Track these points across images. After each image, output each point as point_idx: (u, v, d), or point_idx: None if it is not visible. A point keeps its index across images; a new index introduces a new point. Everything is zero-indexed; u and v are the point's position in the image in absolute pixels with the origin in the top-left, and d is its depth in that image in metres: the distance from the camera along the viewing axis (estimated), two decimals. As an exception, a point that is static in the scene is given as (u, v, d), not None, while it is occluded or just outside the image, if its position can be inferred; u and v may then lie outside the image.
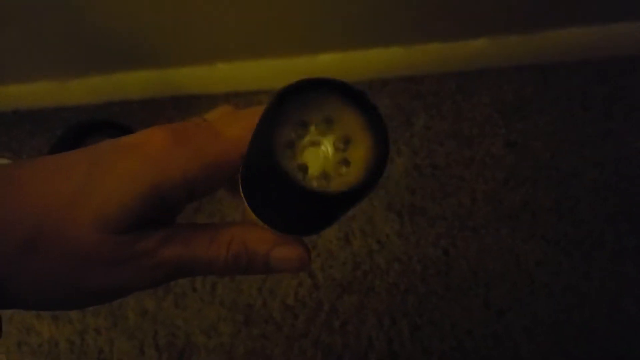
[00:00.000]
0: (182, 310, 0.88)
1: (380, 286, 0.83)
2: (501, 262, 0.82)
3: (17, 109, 1.04)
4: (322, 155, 0.20)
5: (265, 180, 0.19)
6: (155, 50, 0.92)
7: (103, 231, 0.20)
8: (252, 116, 0.22)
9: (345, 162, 0.20)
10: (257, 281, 0.86)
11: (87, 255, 0.20)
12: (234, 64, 0.94)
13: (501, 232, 0.83)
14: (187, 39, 0.90)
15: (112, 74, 0.97)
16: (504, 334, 0.78)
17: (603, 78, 0.92)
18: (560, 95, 0.92)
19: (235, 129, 0.22)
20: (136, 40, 0.90)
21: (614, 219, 0.83)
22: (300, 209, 0.20)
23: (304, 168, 0.20)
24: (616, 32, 0.90)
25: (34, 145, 1.01)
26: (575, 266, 0.81)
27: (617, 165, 0.86)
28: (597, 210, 0.84)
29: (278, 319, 0.84)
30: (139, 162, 0.21)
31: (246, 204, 0.22)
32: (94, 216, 0.20)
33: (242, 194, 0.22)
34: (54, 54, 0.94)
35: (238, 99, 0.98)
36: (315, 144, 0.20)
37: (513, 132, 0.90)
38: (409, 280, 0.83)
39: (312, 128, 0.20)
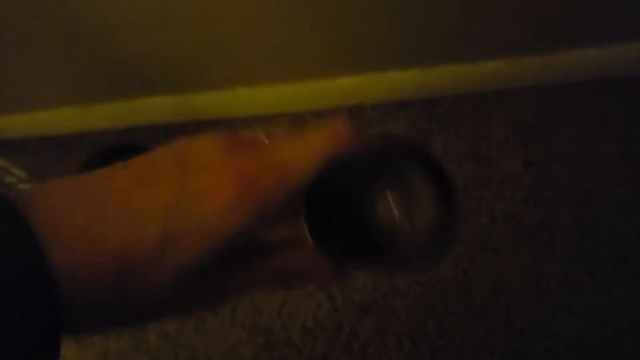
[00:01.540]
0: (202, 334, 0.92)
1: (400, 308, 0.86)
2: (521, 282, 0.85)
3: (43, 135, 1.12)
4: (394, 206, 0.23)
5: (356, 228, 0.22)
6: (177, 75, 0.98)
7: (175, 284, 0.23)
8: (313, 143, 0.24)
9: (416, 210, 0.22)
10: (277, 304, 0.91)
11: (162, 298, 0.23)
12: (254, 89, 1.00)
13: (521, 252, 0.87)
14: (207, 65, 0.96)
15: (135, 99, 1.03)
16: (526, 354, 0.81)
17: (621, 97, 0.95)
18: (579, 115, 0.96)
19: (300, 158, 0.24)
20: (157, 66, 0.97)
21: (635, 237, 0.85)
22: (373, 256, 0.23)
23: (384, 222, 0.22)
24: (633, 52, 0.94)
25: (61, 170, 1.08)
26: (597, 286, 0.83)
27: (638, 184, 0.89)
28: (619, 229, 0.87)
29: (298, 342, 0.88)
30: (211, 217, 0.22)
31: (308, 234, 0.24)
32: (172, 273, 0.22)
33: (305, 223, 0.24)
34: (78, 81, 1.01)
35: (258, 122, 1.04)
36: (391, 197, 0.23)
37: (532, 151, 0.94)
38: (429, 301, 0.86)
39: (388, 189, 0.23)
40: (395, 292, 0.87)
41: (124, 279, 0.21)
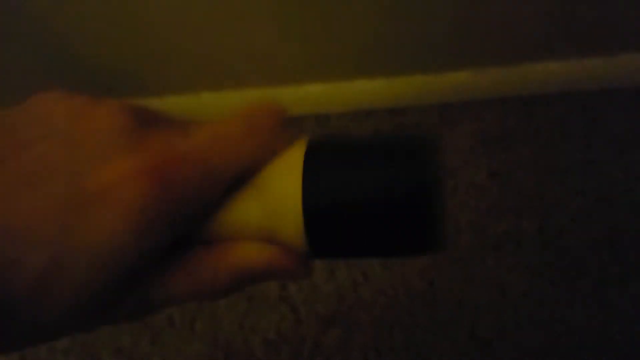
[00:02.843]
0: (159, 348, 0.88)
1: (365, 320, 0.85)
2: (486, 292, 0.85)
3: None
4: None
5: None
6: (139, 78, 0.96)
7: (74, 314, 0.18)
8: (238, 135, 0.20)
9: None
10: (238, 316, 0.88)
11: (59, 331, 0.18)
12: (219, 94, 0.98)
13: (486, 262, 0.87)
14: (171, 69, 0.94)
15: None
16: (491, 366, 0.81)
17: (583, 110, 0.98)
18: (542, 126, 0.98)
19: (223, 150, 0.20)
20: (118, 68, 0.94)
21: (597, 247, 0.87)
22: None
23: None
24: (594, 66, 0.97)
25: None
26: (561, 296, 0.85)
27: (599, 194, 0.91)
28: (580, 239, 0.88)
29: (260, 356, 0.86)
30: (112, 227, 0.17)
31: (304, 241, 0.20)
32: (63, 306, 0.17)
33: (302, 232, 0.20)
34: (40, 81, 0.97)
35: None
36: None
37: (496, 162, 0.95)
38: (394, 313, 0.85)
39: None
40: (360, 303, 0.86)
41: (7, 313, 0.17)
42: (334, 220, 0.19)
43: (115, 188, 0.17)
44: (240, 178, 0.21)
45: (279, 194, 0.20)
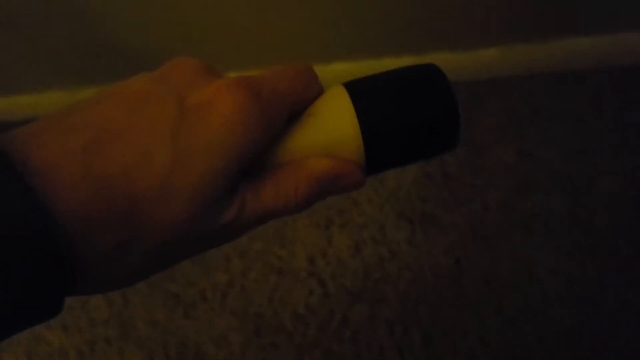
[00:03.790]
0: (192, 321, 0.92)
1: (391, 295, 0.87)
2: (513, 270, 0.86)
3: (27, 119, 1.11)
4: None
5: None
6: (164, 59, 0.98)
7: (199, 208, 0.21)
8: (286, 77, 0.24)
9: None
10: (268, 290, 0.91)
11: (184, 231, 0.21)
12: (246, 73, 1.00)
13: (513, 241, 0.88)
14: (196, 49, 0.96)
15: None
16: (517, 342, 0.82)
17: (615, 87, 0.97)
18: (573, 104, 0.97)
19: (289, 84, 0.24)
20: (145, 51, 0.97)
21: (627, 227, 0.87)
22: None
23: None
24: (627, 41, 0.96)
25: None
26: (589, 275, 0.85)
27: (631, 175, 0.90)
28: (611, 220, 0.88)
29: (289, 328, 0.88)
30: (221, 130, 0.21)
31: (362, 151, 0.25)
32: (191, 194, 0.20)
33: (360, 144, 0.25)
34: (65, 64, 1.01)
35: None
36: None
37: (525, 140, 0.95)
38: (420, 289, 0.87)
39: None
40: (386, 278, 0.88)
41: (132, 221, 0.19)
42: (385, 137, 0.25)
43: (216, 98, 0.21)
44: (293, 112, 0.24)
45: (337, 121, 0.25)
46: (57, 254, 0.17)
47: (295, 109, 0.25)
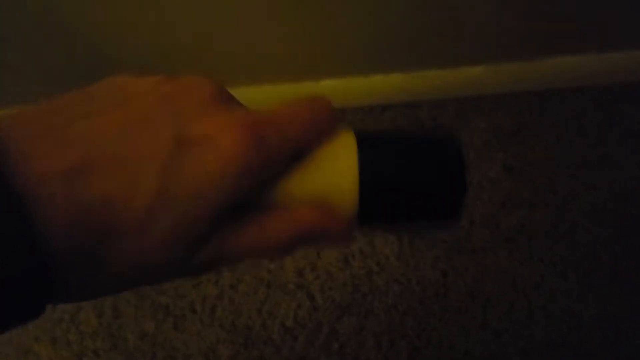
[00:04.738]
0: (181, 333, 0.93)
1: (379, 308, 0.89)
2: (498, 284, 0.88)
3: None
4: None
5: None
6: (159, 73, 1.00)
7: (182, 243, 0.20)
8: (301, 112, 0.23)
9: None
10: (257, 303, 0.93)
11: (162, 264, 0.20)
12: (238, 89, 1.02)
13: (499, 255, 0.90)
14: (192, 65, 0.98)
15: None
16: (501, 355, 0.84)
17: (597, 105, 1.00)
18: (556, 121, 1.00)
19: (293, 125, 0.23)
20: (137, 64, 0.99)
21: (610, 242, 0.89)
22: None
23: None
24: (610, 61, 0.99)
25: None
26: (572, 289, 0.87)
27: (613, 190, 0.93)
28: (593, 234, 0.90)
29: (277, 341, 0.90)
30: (220, 166, 0.20)
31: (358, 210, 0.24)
32: (176, 228, 0.20)
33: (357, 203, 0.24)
34: (58, 76, 1.02)
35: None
36: None
37: (510, 156, 0.97)
38: (407, 302, 0.89)
39: None
40: (374, 291, 0.90)
41: (104, 250, 0.19)
42: (383, 192, 0.24)
43: (217, 135, 0.20)
44: (297, 154, 0.24)
45: (338, 168, 0.24)
46: (36, 253, 0.18)
47: (302, 149, 0.24)
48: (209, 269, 0.22)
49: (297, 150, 0.23)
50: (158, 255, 0.20)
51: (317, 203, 0.24)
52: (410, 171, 0.24)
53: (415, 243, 0.93)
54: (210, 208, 0.20)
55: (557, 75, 1.01)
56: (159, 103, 0.21)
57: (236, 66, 0.98)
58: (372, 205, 0.24)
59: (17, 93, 1.05)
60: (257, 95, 1.03)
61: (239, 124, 0.20)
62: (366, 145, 0.24)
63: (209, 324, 0.93)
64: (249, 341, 0.90)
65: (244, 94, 1.05)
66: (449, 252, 0.91)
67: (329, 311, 0.90)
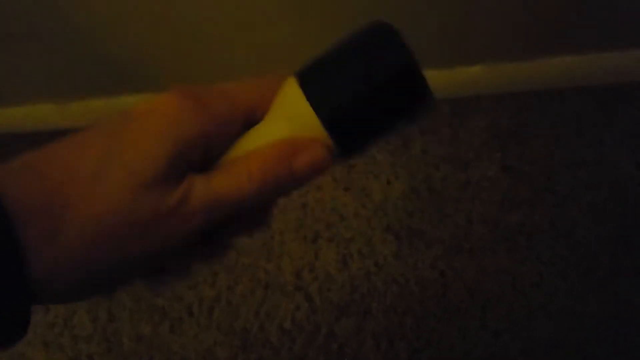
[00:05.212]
0: (178, 336, 0.92)
1: (377, 309, 0.88)
2: (498, 283, 0.88)
3: (15, 132, 1.12)
4: None
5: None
6: (157, 73, 1.00)
7: (133, 191, 0.21)
8: (258, 88, 0.25)
9: None
10: (254, 305, 0.92)
11: (121, 215, 0.21)
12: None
13: (497, 254, 0.90)
14: (189, 63, 0.98)
15: (113, 97, 1.04)
16: (501, 355, 0.83)
17: (596, 105, 1.00)
18: (555, 121, 1.00)
19: (243, 91, 0.25)
20: (137, 64, 0.98)
21: (609, 241, 0.89)
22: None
23: None
24: (608, 61, 0.99)
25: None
26: (572, 288, 0.87)
27: (612, 189, 0.93)
28: (592, 233, 0.90)
29: (275, 343, 0.89)
30: (159, 124, 0.22)
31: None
32: (122, 182, 0.21)
33: (319, 123, 0.24)
34: (53, 76, 1.02)
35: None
36: None
37: (509, 156, 0.97)
38: (406, 302, 0.88)
39: None
40: (373, 292, 0.89)
41: (63, 207, 0.21)
42: (347, 113, 0.24)
43: (158, 106, 0.23)
44: (253, 118, 0.26)
45: (293, 113, 0.24)
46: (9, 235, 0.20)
47: (254, 114, 0.25)
48: (185, 220, 0.23)
49: (247, 111, 0.25)
50: (121, 196, 0.21)
51: None
52: (359, 81, 0.24)
53: (413, 243, 0.92)
54: (159, 146, 0.22)
55: (555, 75, 1.01)
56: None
57: (232, 62, 0.98)
58: (345, 131, 0.24)
59: (10, 90, 1.04)
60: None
61: (178, 93, 0.23)
62: (309, 81, 0.24)
63: (206, 326, 0.92)
64: (247, 343, 0.90)
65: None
66: (448, 252, 0.91)
67: (328, 312, 0.89)
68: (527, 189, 0.95)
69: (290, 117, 0.24)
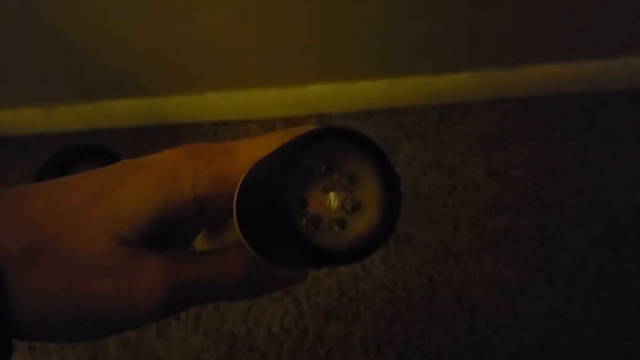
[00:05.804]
0: (164, 340, 0.92)
1: (365, 313, 0.88)
2: (485, 288, 0.88)
3: (2, 136, 1.11)
4: (331, 201, 0.20)
5: (273, 226, 0.19)
6: (146, 78, 1.00)
7: (113, 240, 0.21)
8: (266, 141, 0.23)
9: (356, 205, 0.20)
10: (242, 309, 0.91)
11: (95, 263, 0.21)
12: (224, 94, 1.02)
13: (484, 259, 0.90)
14: (177, 69, 0.98)
15: (100, 101, 1.04)
16: (489, 359, 0.83)
17: (579, 111, 1.02)
18: (540, 127, 1.01)
19: (249, 150, 0.23)
20: (125, 69, 0.98)
21: (595, 245, 0.90)
22: (309, 260, 0.19)
23: (315, 219, 0.20)
24: (591, 68, 1.01)
25: (17, 171, 1.07)
26: (558, 292, 0.88)
27: (596, 194, 0.94)
28: (578, 237, 0.91)
29: (263, 348, 0.89)
30: (150, 175, 0.22)
31: (239, 232, 0.22)
32: (104, 225, 0.21)
33: (235, 222, 0.22)
34: (41, 80, 1.01)
35: (226, 128, 1.05)
36: (323, 188, 0.20)
37: (495, 161, 0.98)
38: (394, 307, 0.89)
39: (317, 174, 0.20)
40: (361, 297, 0.89)
41: (52, 238, 0.21)
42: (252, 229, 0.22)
43: (160, 158, 0.23)
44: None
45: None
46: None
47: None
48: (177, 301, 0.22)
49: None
50: (100, 247, 0.21)
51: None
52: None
53: (400, 248, 0.93)
54: (146, 205, 0.22)
55: (540, 82, 1.03)
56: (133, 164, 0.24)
57: (223, 71, 0.98)
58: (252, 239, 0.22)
59: (0, 95, 1.04)
60: (244, 100, 1.03)
61: (183, 150, 0.23)
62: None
63: (193, 331, 0.91)
64: (234, 348, 0.89)
65: (231, 98, 1.05)
66: (435, 256, 0.92)
67: (315, 317, 0.89)
68: (513, 194, 0.96)
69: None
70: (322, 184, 0.20)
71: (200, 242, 0.27)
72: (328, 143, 0.19)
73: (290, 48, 0.94)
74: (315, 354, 0.87)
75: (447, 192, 0.96)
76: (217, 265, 0.23)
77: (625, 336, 0.84)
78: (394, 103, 1.05)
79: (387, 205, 0.20)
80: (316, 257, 0.18)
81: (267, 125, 1.05)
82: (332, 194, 0.20)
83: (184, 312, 0.92)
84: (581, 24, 0.92)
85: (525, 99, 1.04)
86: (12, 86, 1.02)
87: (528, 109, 1.03)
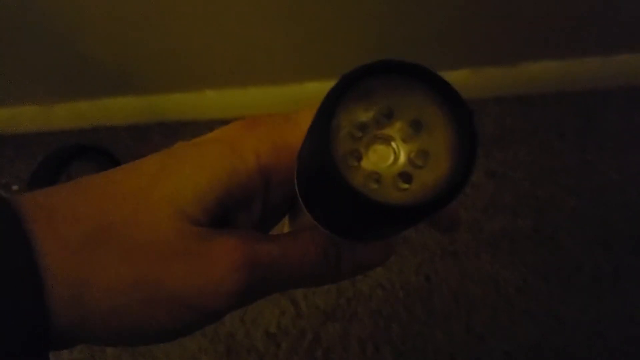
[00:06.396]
0: (162, 341, 0.92)
1: (363, 313, 0.89)
2: (482, 287, 0.88)
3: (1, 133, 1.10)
4: (394, 152, 0.18)
5: (328, 189, 0.17)
6: (143, 76, 0.99)
7: (180, 220, 0.19)
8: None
9: (424, 154, 0.18)
10: (240, 311, 0.91)
11: (163, 246, 0.19)
12: (223, 91, 1.01)
13: (481, 259, 0.90)
14: (176, 67, 0.98)
15: (99, 99, 1.04)
16: (486, 359, 0.84)
17: (578, 110, 1.02)
18: (538, 127, 1.01)
19: (310, 116, 0.19)
20: (123, 66, 0.97)
21: (591, 245, 0.90)
22: (377, 223, 0.18)
23: (376, 175, 0.17)
24: (590, 66, 1.01)
25: (14, 171, 1.06)
26: (555, 292, 0.88)
27: (594, 194, 0.94)
28: (575, 238, 0.91)
29: (260, 349, 0.89)
30: (212, 150, 0.21)
31: (303, 206, 0.21)
32: (169, 203, 0.19)
33: (298, 195, 0.21)
34: (39, 78, 1.01)
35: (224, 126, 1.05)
36: (382, 138, 0.18)
37: (492, 161, 0.98)
38: (391, 307, 0.89)
39: (373, 120, 0.17)
40: (359, 297, 0.89)
41: (105, 218, 0.20)
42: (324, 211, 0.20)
43: (219, 133, 0.22)
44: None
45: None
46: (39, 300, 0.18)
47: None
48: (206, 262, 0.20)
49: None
50: (168, 227, 0.19)
51: None
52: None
53: (398, 248, 0.93)
54: (211, 178, 0.20)
55: (539, 80, 1.02)
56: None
57: (222, 69, 0.98)
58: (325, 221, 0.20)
59: (1, 95, 1.03)
60: (241, 98, 1.02)
61: (237, 121, 0.22)
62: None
63: (191, 331, 0.91)
64: (232, 349, 0.89)
65: (229, 96, 1.04)
66: (432, 256, 0.92)
67: (313, 317, 0.89)
68: (510, 194, 0.96)
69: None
70: (381, 134, 0.18)
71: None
72: (378, 82, 0.17)
73: (288, 46, 0.94)
74: (313, 355, 0.87)
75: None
76: (293, 244, 0.21)
77: (621, 337, 0.84)
78: (392, 102, 1.04)
79: (460, 151, 0.17)
80: (381, 215, 0.16)
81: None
82: (393, 145, 0.18)
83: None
84: (580, 21, 0.92)
85: (524, 97, 1.04)
86: (9, 84, 1.01)
87: (526, 108, 1.03)
